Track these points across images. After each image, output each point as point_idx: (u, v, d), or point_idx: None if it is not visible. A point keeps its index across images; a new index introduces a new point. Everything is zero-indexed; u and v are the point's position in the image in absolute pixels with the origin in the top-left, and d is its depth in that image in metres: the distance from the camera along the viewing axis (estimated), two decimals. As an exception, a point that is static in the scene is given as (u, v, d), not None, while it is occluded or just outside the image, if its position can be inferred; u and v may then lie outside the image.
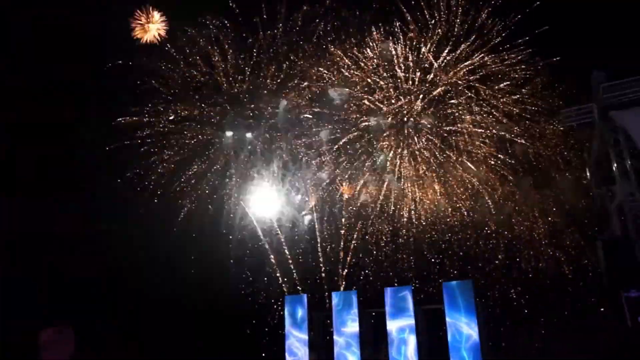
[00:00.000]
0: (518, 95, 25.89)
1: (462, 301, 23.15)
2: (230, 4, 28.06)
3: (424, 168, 27.11)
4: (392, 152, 27.36)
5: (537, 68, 25.36)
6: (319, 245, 29.07)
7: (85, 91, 28.69)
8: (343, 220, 28.83)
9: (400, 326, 24.29)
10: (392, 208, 27.98)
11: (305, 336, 25.96)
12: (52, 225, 29.24)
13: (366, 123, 27.29)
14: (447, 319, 23.34)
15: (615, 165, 24.72)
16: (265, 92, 28.99)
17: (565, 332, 23.86)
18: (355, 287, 27.83)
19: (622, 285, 21.96)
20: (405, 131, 27.10)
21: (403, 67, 26.73)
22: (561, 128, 25.76)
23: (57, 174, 29.63)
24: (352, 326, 25.12)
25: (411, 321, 24.13)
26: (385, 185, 27.70)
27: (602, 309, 23.90)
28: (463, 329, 22.84)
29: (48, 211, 28.98)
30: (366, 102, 27.29)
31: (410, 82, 26.79)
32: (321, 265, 28.90)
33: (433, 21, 25.96)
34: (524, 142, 25.80)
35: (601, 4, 23.79)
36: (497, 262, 26.55)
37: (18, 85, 27.42)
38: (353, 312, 25.27)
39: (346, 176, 28.32)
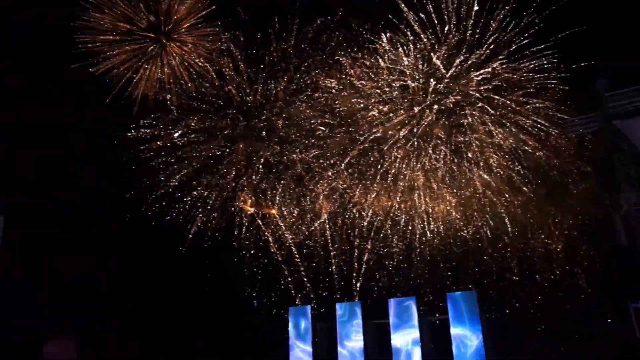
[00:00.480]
0: (530, 105, 25.43)
1: (466, 312, 23.03)
2: (243, 16, 27.79)
3: (436, 179, 26.80)
4: (403, 163, 27.08)
5: (552, 77, 24.88)
6: (332, 256, 28.88)
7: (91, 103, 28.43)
8: (356, 231, 28.66)
9: (405, 337, 24.17)
10: (404, 219, 27.73)
11: (309, 348, 25.90)
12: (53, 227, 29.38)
13: (377, 134, 27.03)
14: (452, 330, 23.17)
15: (620, 173, 24.62)
16: (278, 104, 28.70)
17: (577, 343, 23.54)
18: (369, 299, 27.61)
19: (629, 295, 21.88)
20: (416, 142, 26.84)
21: (414, 77, 26.46)
22: (574, 137, 25.41)
23: (57, 174, 29.62)
24: (356, 338, 25.02)
25: (415, 332, 24.00)
26: (397, 197, 27.45)
27: (609, 320, 23.58)
28: (468, 340, 22.74)
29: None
30: (377, 112, 27.03)
31: (422, 92, 26.51)
32: (335, 276, 28.65)
33: (445, 30, 25.62)
34: (540, 152, 25.35)
35: (609, 10, 23.51)
36: (510, 273, 26.12)
37: (18, 85, 27.38)
38: (356, 322, 25.24)
39: (358, 188, 28.07)
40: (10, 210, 27.51)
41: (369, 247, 28.26)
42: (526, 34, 24.80)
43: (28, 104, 27.97)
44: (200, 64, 28.11)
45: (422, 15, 25.45)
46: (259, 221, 29.56)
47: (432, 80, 25.98)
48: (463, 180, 26.51)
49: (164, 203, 29.06)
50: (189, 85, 28.46)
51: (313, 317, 26.80)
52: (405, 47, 26.05)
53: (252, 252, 29.61)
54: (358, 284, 28.08)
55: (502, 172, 26.03)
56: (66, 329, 28.70)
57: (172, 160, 29.26)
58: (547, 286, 25.41)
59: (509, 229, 26.14)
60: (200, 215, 29.36)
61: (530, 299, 25.47)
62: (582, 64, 24.07)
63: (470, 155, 26.33)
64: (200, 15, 26.96)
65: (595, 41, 23.99)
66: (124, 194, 28.82)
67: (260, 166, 29.32)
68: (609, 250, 24.38)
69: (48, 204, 29.67)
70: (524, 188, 25.76)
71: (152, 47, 27.59)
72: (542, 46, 24.63)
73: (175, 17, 27.04)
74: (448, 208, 27.06)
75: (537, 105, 25.25)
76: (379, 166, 27.36)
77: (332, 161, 28.34)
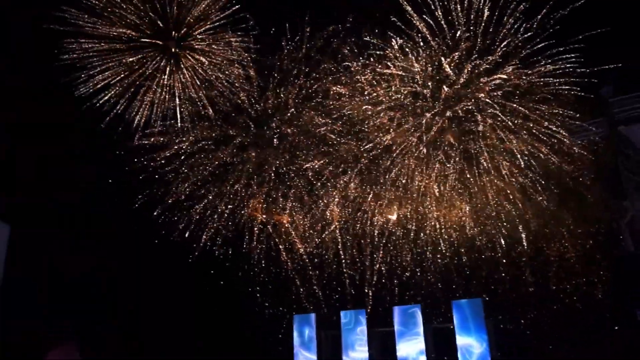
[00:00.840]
0: (544, 111, 25.18)
1: (472, 320, 23.05)
2: (254, 24, 27.15)
3: (448, 187, 26.62)
4: (415, 170, 26.90)
5: (565, 82, 24.62)
6: (343, 264, 28.77)
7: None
8: (368, 240, 28.54)
9: (410, 345, 24.25)
10: (415, 227, 27.58)
11: (314, 356, 26.05)
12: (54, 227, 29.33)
13: (388, 141, 26.87)
14: (457, 338, 23.18)
15: (625, 180, 24.51)
16: (288, 112, 28.44)
17: (587, 350, 23.35)
18: (380, 307, 27.59)
19: (635, 302, 21.75)
20: (427, 149, 26.68)
21: (425, 84, 26.29)
22: (587, 143, 25.15)
23: (57, 173, 29.57)
24: (361, 349, 25.09)
25: (420, 340, 24.05)
26: (408, 204, 27.30)
27: (616, 327, 23.43)
28: (474, 348, 22.76)
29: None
30: (387, 119, 26.87)
31: (433, 99, 26.34)
32: (347, 283, 28.54)
33: (457, 35, 25.44)
34: (554, 159, 25.12)
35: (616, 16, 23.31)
36: (523, 282, 25.81)
37: (18, 85, 27.32)
38: (360, 330, 25.30)
39: (369, 196, 27.91)
40: (10, 210, 27.52)
41: (381, 255, 28.07)
42: (537, 39, 24.49)
43: (28, 104, 27.89)
44: (217, 74, 27.16)
45: (431, 22, 25.22)
46: (269, 229, 29.32)
47: (443, 86, 25.75)
48: (475, 188, 26.25)
49: (175, 213, 28.93)
50: (201, 95, 27.54)
51: (318, 325, 26.82)
52: (415, 53, 25.85)
53: (260, 258, 29.44)
54: (370, 292, 27.86)
55: (515, 180, 25.74)
56: (66, 329, 28.70)
57: (184, 169, 28.93)
58: (562, 296, 25.02)
59: (523, 236, 25.79)
60: (210, 222, 29.18)
61: (545, 309, 25.16)
62: (595, 69, 23.82)
63: (482, 162, 26.05)
64: (219, 18, 25.78)
65: (602, 45, 23.75)
66: (132, 201, 28.69)
67: (271, 174, 29.04)
68: (616, 257, 24.16)
69: (48, 204, 29.64)
70: (538, 197, 25.47)
71: (158, 58, 26.25)
72: (554, 50, 24.36)
73: (188, 21, 25.70)
74: (460, 215, 26.83)
75: (550, 111, 24.93)
76: (390, 173, 27.19)
77: (342, 168, 28.21)
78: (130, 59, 26.32)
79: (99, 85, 26.58)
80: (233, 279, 29.77)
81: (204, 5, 25.85)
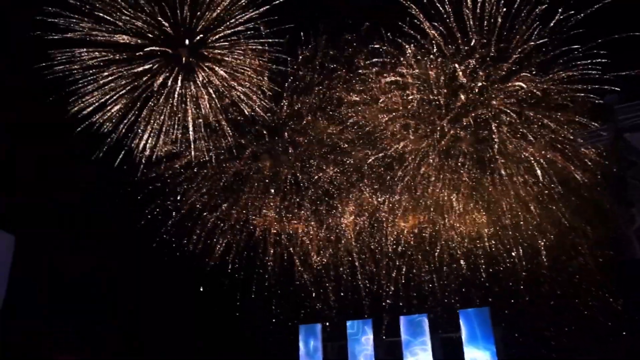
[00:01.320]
0: (559, 118, 24.91)
1: (479, 329, 22.93)
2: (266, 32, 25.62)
3: (463, 195, 26.40)
4: (430, 179, 26.67)
5: (578, 89, 24.33)
6: (358, 273, 28.65)
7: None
8: (381, 249, 28.37)
9: (417, 354, 24.14)
10: (430, 236, 27.41)
11: None
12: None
13: (402, 149, 26.64)
14: (465, 348, 23.05)
15: (632, 187, 24.41)
16: (303, 120, 27.87)
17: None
18: (388, 317, 27.40)
19: None
20: (442, 157, 26.47)
21: (440, 91, 26.03)
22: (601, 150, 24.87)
23: (57, 174, 29.51)
24: (367, 357, 25.01)
25: (428, 349, 23.93)
26: (423, 213, 27.10)
27: (624, 333, 23.28)
28: (481, 357, 22.65)
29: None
30: (401, 127, 26.63)
31: (446, 106, 26.08)
32: (363, 293, 28.36)
33: (471, 42, 25.16)
34: (571, 167, 24.84)
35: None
36: (542, 292, 25.55)
37: (18, 85, 27.17)
38: (365, 339, 25.34)
39: (384, 205, 27.70)
40: (10, 212, 27.48)
41: (397, 264, 27.92)
42: (550, 47, 24.23)
43: (28, 104, 27.75)
44: (233, 83, 24.96)
45: (444, 30, 24.94)
46: (284, 238, 29.05)
47: (460, 94, 25.52)
48: (489, 196, 25.99)
49: (187, 225, 28.57)
50: (215, 109, 25.49)
51: (324, 335, 26.84)
52: (429, 61, 25.59)
53: (271, 268, 29.28)
54: (379, 302, 27.66)
55: (531, 189, 25.52)
56: (66, 329, 28.81)
57: (198, 179, 28.32)
58: (573, 305, 24.68)
59: (542, 244, 25.56)
60: (222, 231, 28.93)
61: (563, 320, 24.75)
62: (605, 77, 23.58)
63: (497, 170, 25.82)
64: (239, 22, 23.17)
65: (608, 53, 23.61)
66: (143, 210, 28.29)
67: (286, 183, 28.58)
68: (624, 264, 24.07)
69: (48, 204, 29.61)
70: (553, 207, 25.30)
71: (168, 69, 23.30)
72: (570, 56, 24.06)
73: (203, 26, 22.76)
74: (475, 224, 26.60)
75: (566, 118, 24.66)
76: (405, 182, 26.99)
77: (356, 177, 28.04)
78: (134, 71, 23.46)
79: (95, 104, 23.73)
80: (239, 288, 29.71)
81: (221, 8, 23.03)
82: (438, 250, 26.96)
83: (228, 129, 26.60)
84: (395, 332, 25.31)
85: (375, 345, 25.20)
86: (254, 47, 24.51)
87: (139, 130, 24.96)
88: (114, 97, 23.83)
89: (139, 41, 22.90)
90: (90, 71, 23.09)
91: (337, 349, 27.19)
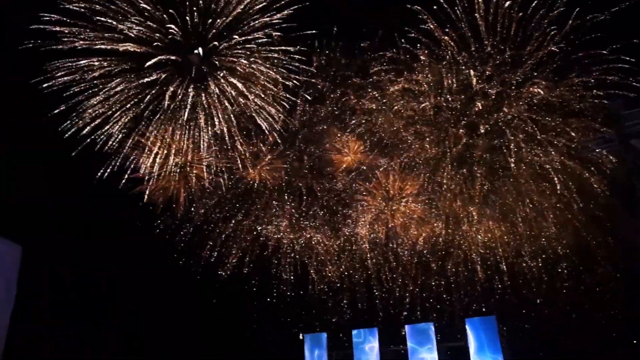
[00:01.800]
0: (575, 124, 24.70)
1: (485, 338, 23.11)
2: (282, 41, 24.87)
3: (478, 203, 26.28)
4: (443, 186, 26.54)
5: (592, 95, 24.11)
6: (372, 282, 28.63)
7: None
8: (399, 257, 28.32)
9: None
10: (445, 245, 27.40)
11: None
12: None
13: (417, 157, 26.45)
14: (472, 357, 23.27)
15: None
16: (317, 129, 27.68)
17: None
18: (393, 325, 27.66)
19: None
20: (455, 165, 26.29)
21: (455, 98, 25.77)
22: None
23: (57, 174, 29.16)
24: None
25: (434, 357, 24.16)
26: (437, 222, 27.04)
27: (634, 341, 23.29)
28: None
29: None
30: (416, 134, 26.44)
31: (461, 113, 25.85)
32: (377, 302, 28.42)
33: (486, 49, 24.84)
34: (587, 174, 24.68)
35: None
36: (557, 302, 25.72)
37: (18, 85, 26.67)
38: (369, 347, 25.46)
39: (399, 214, 27.58)
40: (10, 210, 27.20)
41: (412, 274, 27.93)
42: (561, 54, 24.12)
43: (28, 104, 27.28)
44: (248, 93, 23.91)
45: (456, 37, 24.70)
46: (296, 246, 28.92)
47: (476, 101, 25.29)
48: (505, 202, 25.87)
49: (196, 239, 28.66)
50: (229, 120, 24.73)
51: (329, 345, 27.14)
52: (443, 68, 25.33)
53: (281, 278, 29.22)
54: (385, 311, 27.84)
55: (547, 196, 25.34)
56: (66, 330, 28.83)
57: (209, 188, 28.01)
58: (581, 312, 24.79)
59: (561, 252, 25.57)
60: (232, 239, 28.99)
61: (575, 330, 24.73)
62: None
63: (513, 177, 25.64)
64: (255, 27, 22.09)
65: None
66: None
67: (299, 193, 28.68)
68: (633, 275, 24.07)
69: (48, 204, 29.34)
70: (569, 215, 25.11)
71: (179, 79, 21.96)
72: (586, 61, 23.98)
73: (213, 32, 21.28)
74: (492, 227, 26.53)
75: (581, 125, 24.46)
76: (418, 190, 26.85)
77: (371, 185, 27.95)
78: (142, 81, 22.06)
79: (95, 122, 22.21)
80: (243, 296, 29.80)
81: (234, 14, 21.66)
82: (451, 260, 27.05)
83: (240, 139, 25.83)
84: (401, 340, 25.44)
85: (380, 353, 25.25)
86: (266, 54, 23.29)
87: (147, 145, 24.04)
88: (120, 110, 22.53)
89: (142, 48, 21.41)
90: (94, 82, 21.65)
91: (342, 358, 27.40)
